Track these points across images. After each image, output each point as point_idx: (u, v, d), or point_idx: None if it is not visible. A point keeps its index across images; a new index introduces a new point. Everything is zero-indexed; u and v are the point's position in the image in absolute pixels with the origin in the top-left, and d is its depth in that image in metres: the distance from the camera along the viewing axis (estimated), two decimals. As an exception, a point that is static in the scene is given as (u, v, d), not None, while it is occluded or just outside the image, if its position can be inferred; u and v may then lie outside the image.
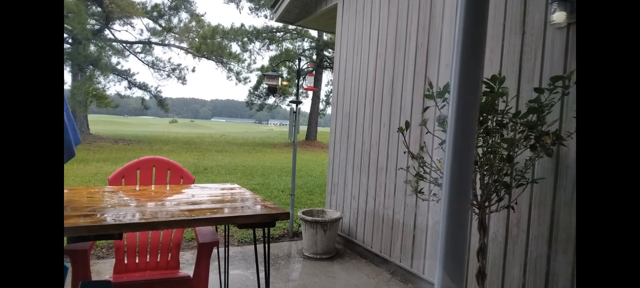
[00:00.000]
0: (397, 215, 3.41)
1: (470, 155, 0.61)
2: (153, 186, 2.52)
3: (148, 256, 2.51)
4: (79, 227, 1.50)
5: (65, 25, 15.99)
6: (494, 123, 2.06)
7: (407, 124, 2.39)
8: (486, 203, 2.11)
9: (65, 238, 1.53)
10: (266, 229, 1.96)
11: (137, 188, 2.36)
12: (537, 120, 2.00)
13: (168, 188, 2.44)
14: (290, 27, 20.53)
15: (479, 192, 2.12)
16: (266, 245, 2.00)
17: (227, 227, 2.71)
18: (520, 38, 2.42)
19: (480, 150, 2.07)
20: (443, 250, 0.60)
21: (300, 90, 4.67)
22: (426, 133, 2.98)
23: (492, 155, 2.04)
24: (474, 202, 2.12)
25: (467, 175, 0.61)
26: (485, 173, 2.08)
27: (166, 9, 20.30)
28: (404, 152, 3.33)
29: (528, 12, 2.38)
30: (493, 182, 2.06)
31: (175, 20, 20.59)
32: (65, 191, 2.12)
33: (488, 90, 2.00)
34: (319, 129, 23.93)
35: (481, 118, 2.04)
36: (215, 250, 2.47)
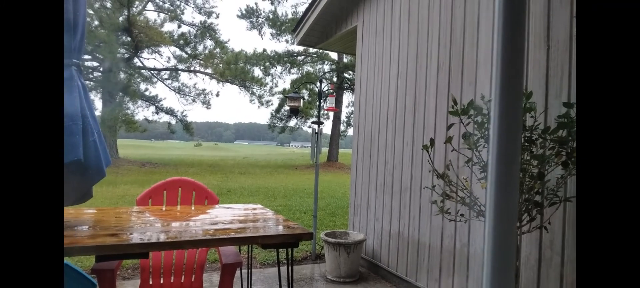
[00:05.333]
0: (423, 236, 3.32)
1: (515, 175, 0.58)
2: (178, 206, 2.55)
3: (172, 277, 2.52)
4: (107, 245, 1.53)
5: (96, 54, 16.83)
6: (523, 139, 2.00)
7: (432, 142, 2.35)
8: (517, 224, 2.03)
9: (94, 257, 1.56)
10: (289, 250, 1.94)
11: (164, 209, 2.40)
12: (568, 135, 1.92)
13: (193, 208, 2.47)
14: (311, 50, 20.89)
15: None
16: (289, 266, 1.97)
17: (250, 247, 2.70)
18: (546, 52, 2.36)
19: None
20: (489, 277, 0.57)
21: (322, 111, 4.69)
22: (452, 151, 2.92)
23: (521, 173, 1.97)
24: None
25: (512, 196, 0.58)
26: (514, 191, 2.00)
27: (192, 37, 21.11)
28: (429, 171, 3.26)
29: (552, 27, 2.34)
30: (524, 201, 1.99)
31: (200, 48, 21.36)
32: (93, 211, 2.17)
33: (515, 105, 1.94)
34: (340, 150, 23.92)
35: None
36: (238, 273, 2.46)
